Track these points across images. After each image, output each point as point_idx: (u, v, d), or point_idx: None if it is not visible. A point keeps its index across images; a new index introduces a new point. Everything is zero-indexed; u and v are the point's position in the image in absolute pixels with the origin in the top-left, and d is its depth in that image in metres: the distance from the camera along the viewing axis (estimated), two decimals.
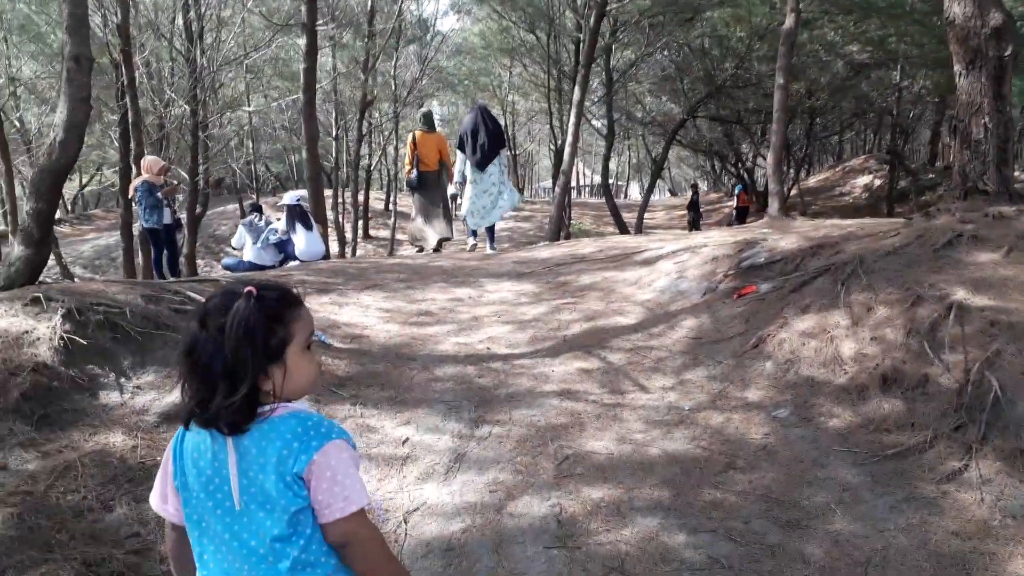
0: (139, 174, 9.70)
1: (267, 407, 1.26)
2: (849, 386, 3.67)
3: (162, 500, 1.37)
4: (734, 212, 21.38)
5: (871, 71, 23.30)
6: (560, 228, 14.39)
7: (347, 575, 1.30)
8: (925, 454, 3.07)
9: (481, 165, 9.17)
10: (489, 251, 9.56)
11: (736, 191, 22.11)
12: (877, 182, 30.42)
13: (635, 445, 3.42)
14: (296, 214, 9.22)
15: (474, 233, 9.86)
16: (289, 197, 9.45)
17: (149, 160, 9.62)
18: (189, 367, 1.25)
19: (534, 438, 3.51)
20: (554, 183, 19.99)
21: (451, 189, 9.79)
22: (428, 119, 9.93)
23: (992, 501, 2.72)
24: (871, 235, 5.17)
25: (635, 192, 54.80)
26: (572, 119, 14.05)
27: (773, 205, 9.35)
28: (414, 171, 9.63)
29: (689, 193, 24.46)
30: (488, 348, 4.73)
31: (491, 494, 3.03)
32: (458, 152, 9.37)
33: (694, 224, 22.38)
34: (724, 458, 3.28)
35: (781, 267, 5.10)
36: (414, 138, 9.73)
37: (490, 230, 9.84)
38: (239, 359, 1.22)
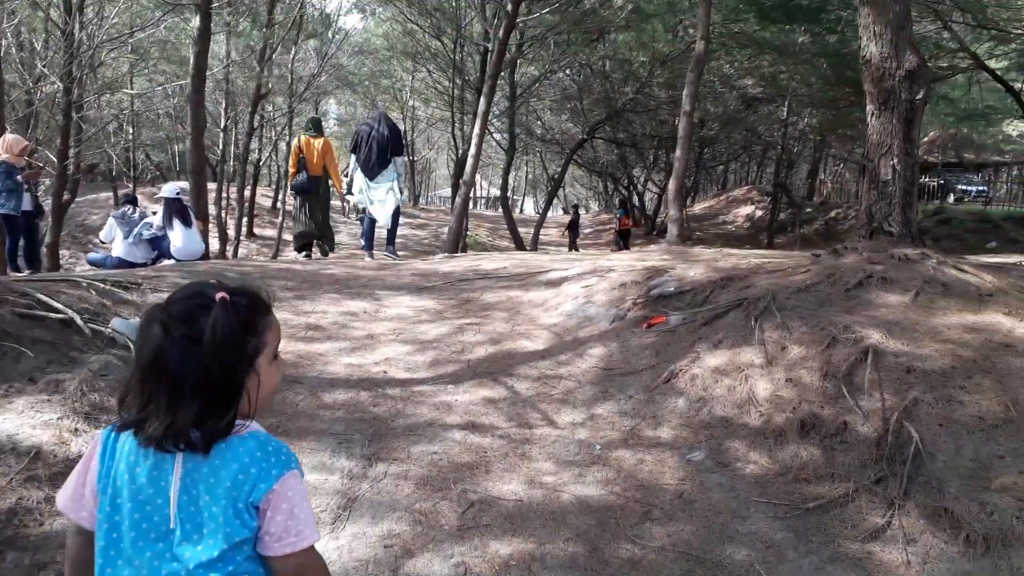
0: None
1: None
2: (765, 429, 3.53)
3: (74, 501, 1.23)
4: (616, 235, 21.64)
5: (762, 105, 24.39)
6: (459, 240, 14.09)
7: None
8: (847, 508, 2.94)
9: (371, 174, 9.01)
10: (387, 257, 9.33)
11: (618, 215, 22.42)
12: (759, 213, 31.90)
13: (546, 489, 3.14)
14: (175, 209, 8.48)
15: (369, 248, 9.62)
16: (168, 189, 8.69)
17: (10, 139, 8.59)
18: (149, 377, 1.13)
19: (435, 480, 3.16)
20: (454, 193, 19.68)
21: (353, 198, 9.55)
22: (316, 124, 9.80)
23: (919, 563, 2.60)
24: (780, 270, 5.14)
25: (529, 207, 55.31)
26: (476, 129, 13.79)
27: (671, 231, 9.40)
28: (302, 174, 9.37)
29: (571, 213, 24.64)
30: (385, 372, 4.35)
31: (386, 549, 2.66)
32: (352, 156, 9.22)
33: (572, 244, 22.57)
34: (640, 507, 3.05)
35: (691, 298, 4.98)
36: (299, 142, 9.51)
37: (391, 235, 9.65)
38: (227, 372, 1.14)
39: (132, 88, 16.89)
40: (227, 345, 1.14)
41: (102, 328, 3.93)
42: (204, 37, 10.28)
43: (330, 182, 9.74)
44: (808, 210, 28.17)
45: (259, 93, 16.71)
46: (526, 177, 53.31)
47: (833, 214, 25.98)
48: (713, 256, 8.02)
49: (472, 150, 14.01)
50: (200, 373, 1.12)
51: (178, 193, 8.61)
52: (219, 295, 1.16)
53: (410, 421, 3.73)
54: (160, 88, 16.67)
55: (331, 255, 10.22)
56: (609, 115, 22.33)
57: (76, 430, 3.03)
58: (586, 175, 41.41)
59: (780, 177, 24.77)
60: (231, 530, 1.14)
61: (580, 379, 4.26)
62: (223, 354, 1.13)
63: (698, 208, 36.79)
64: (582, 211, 50.10)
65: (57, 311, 3.89)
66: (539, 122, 28.51)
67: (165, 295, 1.22)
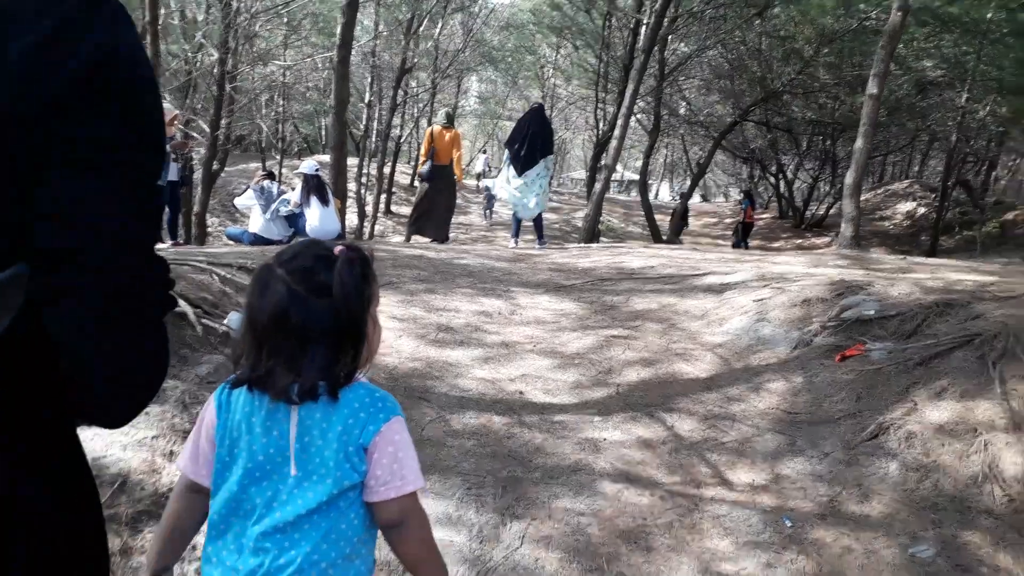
0: None
1: None
2: (1017, 523, 2.65)
3: (193, 462, 1.24)
4: (740, 227, 19.89)
5: (938, 91, 21.93)
6: (596, 228, 13.36)
7: (366, 559, 1.22)
8: None
9: (522, 169, 8.99)
10: (537, 248, 9.25)
11: (743, 206, 20.60)
12: (921, 210, 29.01)
13: None
14: (313, 186, 8.24)
15: (516, 235, 9.70)
16: (307, 166, 8.46)
17: None
18: (272, 335, 1.13)
19: (583, 553, 2.52)
20: (591, 177, 18.93)
21: (486, 182, 9.66)
22: (449, 117, 9.96)
23: None
24: (1012, 296, 4.11)
25: (664, 192, 53.39)
26: (623, 110, 12.96)
27: (845, 232, 8.26)
28: (428, 163, 9.59)
29: (697, 199, 22.71)
30: (521, 392, 3.74)
31: None
32: (506, 149, 9.37)
33: (677, 232, 21.02)
34: None
35: (897, 326, 4.05)
36: (431, 132, 9.66)
37: (539, 230, 9.60)
38: (354, 321, 1.16)
39: (284, 60, 17.14)
40: (354, 294, 1.15)
41: (215, 324, 3.54)
42: (352, 6, 10.03)
43: (453, 173, 9.90)
44: (976, 210, 25.33)
45: (404, 67, 16.55)
46: (665, 160, 51.45)
47: (1011, 216, 23.18)
48: (899, 265, 6.92)
49: (616, 132, 13.21)
50: (329, 324, 1.14)
51: (316, 169, 8.37)
52: (338, 248, 1.19)
53: (551, 462, 3.10)
54: (309, 59, 16.85)
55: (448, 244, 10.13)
56: (765, 97, 20.73)
57: (171, 454, 2.61)
58: (730, 160, 39.30)
59: (962, 173, 22.23)
60: (341, 474, 1.16)
61: (757, 423, 3.48)
62: (352, 303, 1.15)
63: None
64: (720, 199, 47.90)
65: None
66: (684, 103, 27.08)
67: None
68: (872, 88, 8.18)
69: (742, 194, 22.32)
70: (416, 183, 22.37)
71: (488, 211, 21.73)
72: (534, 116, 9.11)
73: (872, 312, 4.18)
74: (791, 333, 4.32)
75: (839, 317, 4.28)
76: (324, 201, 8.27)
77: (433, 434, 3.22)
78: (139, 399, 0.66)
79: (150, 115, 0.62)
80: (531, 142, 8.87)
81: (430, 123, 26.68)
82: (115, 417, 0.66)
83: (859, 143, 8.21)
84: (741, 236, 19.32)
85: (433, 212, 10.03)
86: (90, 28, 0.57)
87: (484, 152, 31.77)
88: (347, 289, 1.14)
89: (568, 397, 3.73)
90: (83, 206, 0.58)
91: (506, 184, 9.20)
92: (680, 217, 21.14)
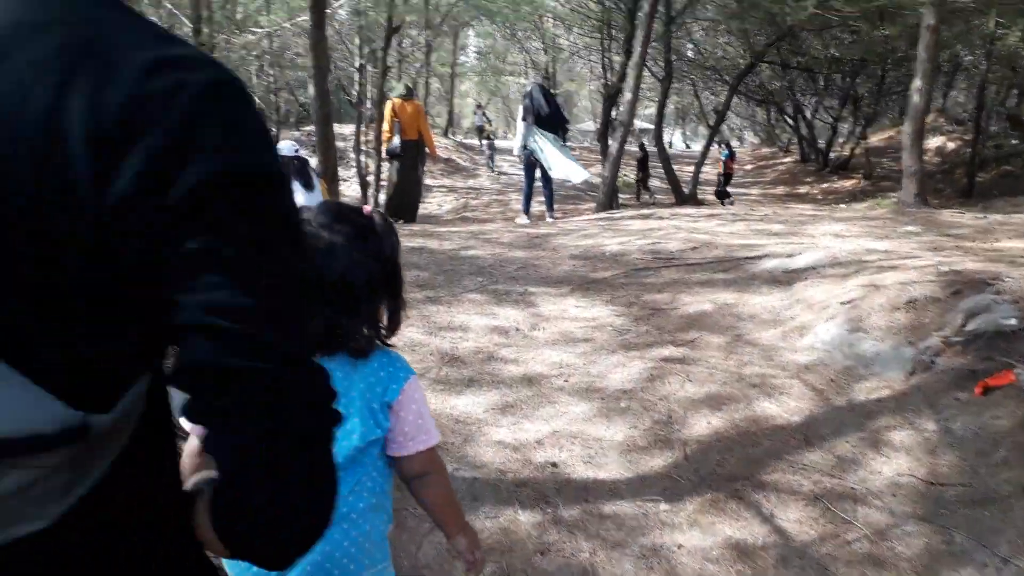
0: None
1: None
2: None
3: None
4: (721, 178, 18.48)
5: (966, 17, 20.36)
6: (614, 192, 12.23)
7: (387, 509, 1.26)
8: None
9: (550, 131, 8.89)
10: (549, 219, 9.07)
11: (723, 157, 19.14)
12: (951, 145, 27.48)
13: None
14: (294, 169, 7.19)
15: (527, 209, 9.36)
16: (286, 147, 7.39)
17: None
18: (339, 292, 1.15)
19: None
20: (603, 134, 17.71)
21: (516, 149, 9.30)
22: (408, 88, 9.75)
23: None
24: None
25: (678, 141, 51.64)
26: (634, 59, 11.73)
27: (909, 188, 7.17)
28: (396, 138, 9.17)
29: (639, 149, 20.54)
30: (554, 465, 2.75)
31: None
32: (520, 122, 9.00)
33: (643, 183, 19.60)
34: None
35: None
36: (393, 107, 9.24)
37: (551, 199, 9.36)
38: (400, 279, 1.22)
39: (262, 27, 15.91)
40: (398, 251, 1.22)
41: None
42: None
43: (423, 147, 9.63)
44: (1014, 142, 23.86)
45: (391, 26, 15.27)
46: (676, 107, 49.67)
47: None
48: (982, 225, 5.85)
49: (629, 83, 11.99)
50: (381, 282, 1.18)
51: (296, 150, 7.31)
52: (365, 209, 1.23)
53: None
54: (287, 24, 15.61)
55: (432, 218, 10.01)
56: (780, 36, 19.26)
57: None
58: (743, 103, 37.60)
59: (1009, 106, 20.73)
60: (366, 429, 1.18)
61: (890, 504, 2.48)
62: (397, 261, 1.22)
63: (875, 139, 32.43)
64: (735, 144, 46.08)
65: None
66: (691, 47, 25.55)
67: None
68: (929, 18, 7.02)
69: (722, 145, 20.87)
70: (385, 162, 21.31)
71: (491, 163, 21.34)
72: (539, 89, 9.10)
73: (1014, 322, 3.14)
74: (902, 350, 3.29)
75: (964, 329, 3.24)
76: (308, 185, 7.21)
77: (431, 556, 2.24)
78: (310, 536, 0.56)
79: (288, 215, 0.57)
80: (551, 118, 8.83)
81: (428, 84, 25.28)
82: (281, 558, 0.56)
83: (917, 83, 7.08)
84: (723, 186, 18.06)
85: (408, 193, 9.64)
86: (202, 147, 0.52)
87: (480, 107, 30.34)
88: (395, 247, 1.20)
89: (618, 468, 2.74)
90: (247, 313, 0.53)
91: (537, 143, 8.73)
92: (641, 166, 19.57)
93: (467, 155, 22.48)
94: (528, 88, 9.65)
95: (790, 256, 4.97)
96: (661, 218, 8.46)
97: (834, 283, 4.19)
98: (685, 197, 15.85)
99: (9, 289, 0.49)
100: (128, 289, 0.52)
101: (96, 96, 0.49)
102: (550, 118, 8.79)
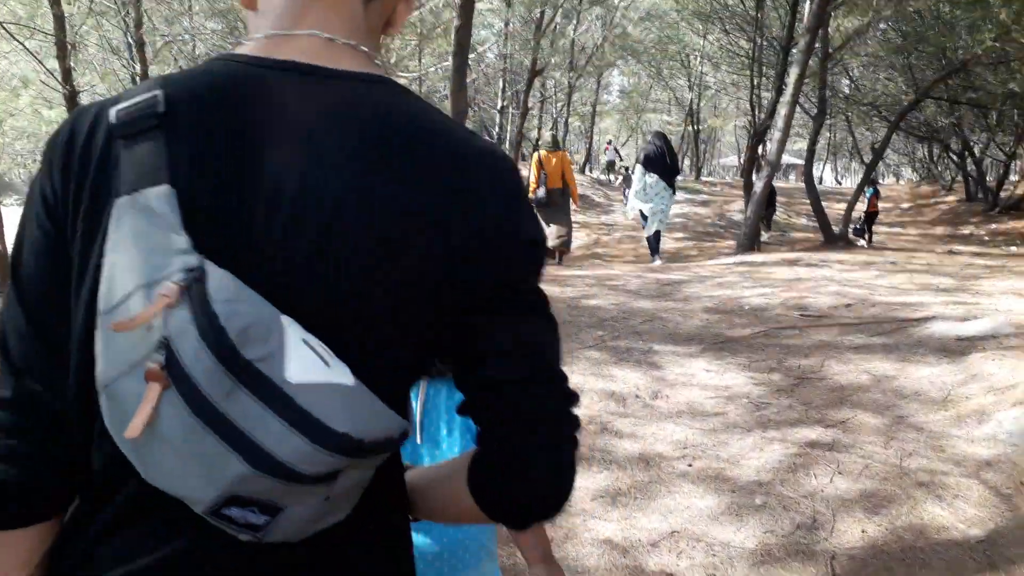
0: None
1: None
2: None
3: None
4: (864, 217, 16.84)
5: None
6: (757, 234, 11.52)
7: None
8: None
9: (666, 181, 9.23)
10: (654, 263, 9.33)
11: (867, 195, 17.44)
12: None
13: None
14: None
15: (657, 251, 9.63)
16: None
17: None
18: None
19: None
20: (748, 171, 16.89)
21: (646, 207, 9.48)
22: (554, 140, 10.02)
23: None
24: None
25: (828, 176, 48.94)
26: (787, 97, 11.11)
27: None
28: (541, 188, 9.38)
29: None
30: None
31: None
32: (638, 168, 9.41)
33: (767, 219, 18.24)
34: None
35: None
36: (539, 158, 9.53)
37: (656, 240, 9.61)
38: None
39: (415, 70, 16.43)
40: None
41: None
42: (467, 8, 8.92)
43: (568, 194, 9.86)
44: None
45: (534, 68, 15.34)
46: (828, 142, 47.23)
47: None
48: None
49: (780, 123, 11.35)
50: None
51: None
52: None
53: None
54: (433, 69, 16.01)
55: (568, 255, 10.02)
56: (951, 71, 17.69)
57: None
58: (902, 139, 35.01)
59: None
60: (465, 443, 1.28)
61: None
62: None
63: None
64: (890, 180, 43.00)
65: None
66: (849, 83, 24.07)
67: None
68: None
69: (869, 183, 19.27)
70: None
71: (625, 200, 20.90)
72: (665, 142, 9.46)
73: None
74: None
75: None
76: None
77: None
78: (560, 501, 0.69)
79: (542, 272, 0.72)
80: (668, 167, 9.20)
81: (567, 125, 25.32)
82: (547, 508, 0.69)
83: None
84: (866, 226, 16.57)
85: (558, 235, 9.79)
86: (522, 212, 0.68)
87: (610, 143, 29.98)
88: None
89: None
90: (541, 340, 0.68)
91: (660, 199, 9.18)
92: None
93: (601, 191, 22.16)
94: (648, 139, 10.16)
95: (963, 320, 4.28)
96: (810, 265, 7.76)
97: (1019, 358, 3.51)
98: (835, 237, 14.73)
99: (394, 336, 0.63)
100: (457, 331, 0.66)
101: (461, 187, 0.64)
102: (666, 167, 9.12)
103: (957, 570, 2.27)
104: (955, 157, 26.35)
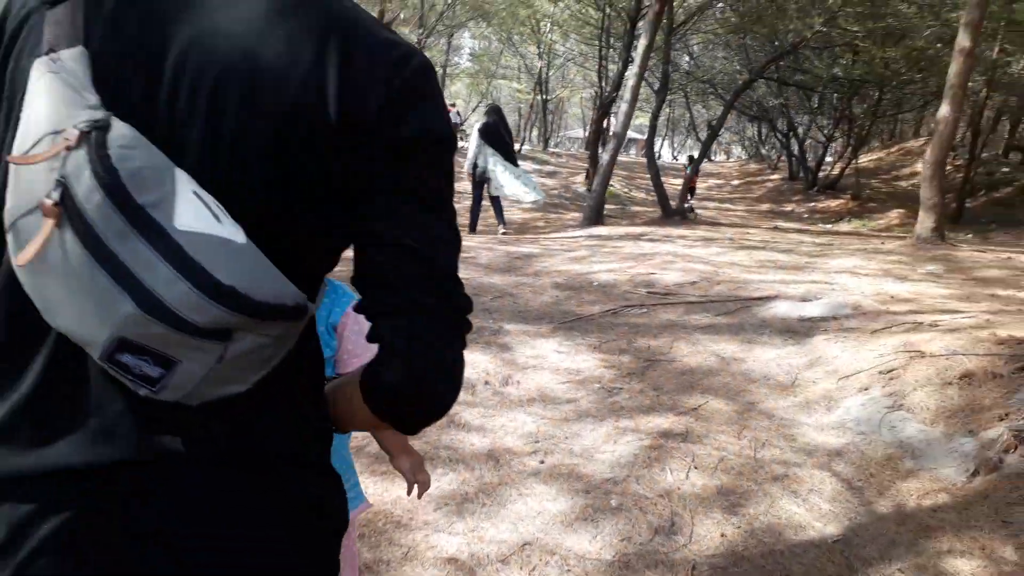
0: None
1: None
2: None
3: None
4: (689, 194, 17.90)
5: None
6: (603, 205, 11.60)
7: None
8: None
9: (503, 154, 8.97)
10: (501, 232, 9.01)
11: (688, 171, 18.62)
12: None
13: None
14: None
15: (502, 220, 9.24)
16: None
17: None
18: None
19: None
20: (594, 142, 17.08)
21: (466, 166, 9.13)
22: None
23: None
24: None
25: (666, 152, 51.15)
26: (634, 68, 11.17)
27: (926, 222, 6.57)
28: None
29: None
30: None
31: None
32: (472, 140, 9.00)
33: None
34: None
35: None
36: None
37: (499, 208, 9.23)
38: None
39: None
40: None
41: None
42: None
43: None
44: (1005, 170, 23.47)
45: (381, 21, 14.58)
46: (667, 118, 49.24)
47: None
48: (1008, 265, 5.27)
49: (627, 94, 11.42)
50: None
51: None
52: None
53: None
54: None
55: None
56: (782, 53, 18.72)
57: None
58: (735, 118, 37.10)
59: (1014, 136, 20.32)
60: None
61: None
62: None
63: (864, 160, 31.95)
64: (721, 158, 45.60)
65: None
66: (689, 59, 25.02)
67: None
68: (963, 40, 6.44)
69: (687, 159, 20.37)
70: None
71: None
72: (499, 117, 9.16)
73: None
74: (959, 441, 2.65)
75: None
76: None
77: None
78: (445, 404, 0.70)
79: (452, 173, 0.72)
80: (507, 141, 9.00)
81: None
82: (434, 409, 0.70)
83: (944, 110, 6.47)
84: (685, 200, 17.43)
85: None
86: (415, 106, 0.68)
87: (453, 106, 29.59)
88: None
89: None
90: (432, 238, 0.68)
91: (508, 172, 8.80)
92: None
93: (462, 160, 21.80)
94: (485, 110, 9.90)
95: (804, 300, 4.34)
96: (654, 240, 7.83)
97: (860, 340, 3.56)
98: (672, 211, 15.27)
99: (276, 195, 0.64)
100: (342, 206, 0.67)
101: (347, 59, 0.65)
102: (503, 142, 8.85)
103: (819, 570, 2.17)
104: (781, 137, 28.23)
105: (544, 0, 24.68)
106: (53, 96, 0.58)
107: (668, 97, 35.43)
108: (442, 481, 2.58)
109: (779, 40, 19.25)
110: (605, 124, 17.98)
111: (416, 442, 2.83)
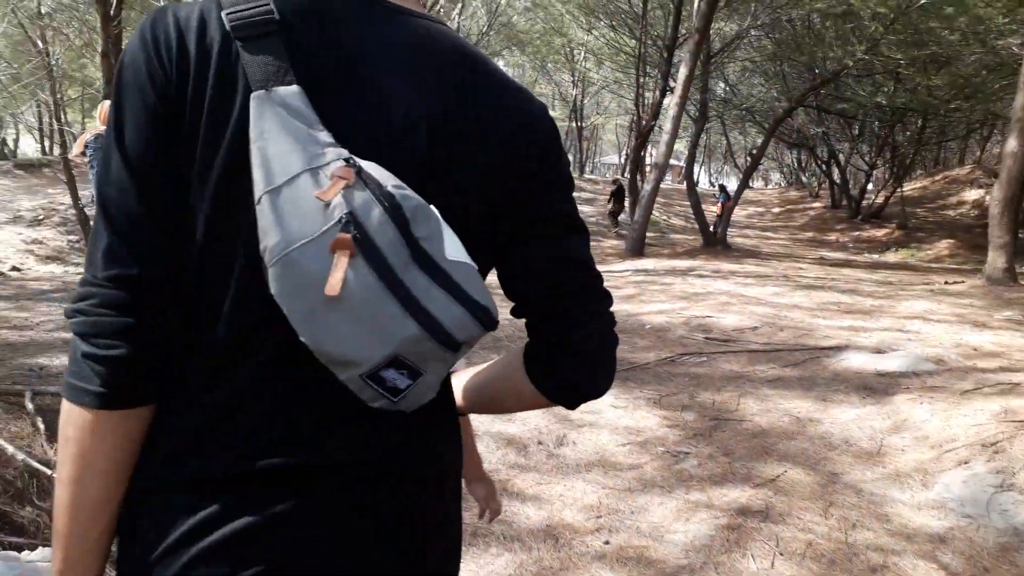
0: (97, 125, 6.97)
1: None
2: None
3: None
4: (718, 219, 17.47)
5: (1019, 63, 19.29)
6: (644, 236, 11.34)
7: None
8: None
9: None
10: None
11: (720, 200, 18.23)
12: (988, 198, 26.26)
13: None
14: None
15: None
16: None
17: (107, 106, 6.80)
18: None
19: None
20: (633, 172, 16.83)
21: None
22: None
23: None
24: None
25: (703, 179, 50.71)
26: (675, 99, 10.92)
27: (996, 262, 6.20)
28: None
29: (613, 187, 20.38)
30: None
31: None
32: None
33: (615, 216, 18.96)
34: None
35: None
36: None
37: None
38: None
39: None
40: None
41: None
42: None
43: None
44: None
45: None
46: (704, 145, 48.80)
47: None
48: None
49: (667, 125, 11.19)
50: None
51: None
52: None
53: None
54: None
55: None
56: (823, 81, 18.38)
57: None
58: (773, 145, 36.60)
59: None
60: None
61: None
62: None
63: (909, 188, 31.21)
64: (759, 184, 45.00)
65: None
66: (725, 87, 24.76)
67: None
68: None
69: (718, 188, 20.00)
70: None
71: None
72: None
73: None
74: None
75: None
76: None
77: None
78: (608, 383, 0.80)
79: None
80: None
81: None
82: (604, 382, 0.80)
83: (1012, 145, 6.12)
84: (720, 228, 17.00)
85: None
86: (560, 157, 0.79)
87: None
88: None
89: None
90: (584, 251, 0.79)
91: None
92: (616, 198, 18.93)
93: None
94: None
95: (879, 352, 4.02)
96: (703, 275, 7.53)
97: (950, 402, 3.24)
98: (714, 240, 14.94)
99: (482, 228, 0.73)
100: (517, 234, 0.76)
101: (520, 116, 0.75)
102: None
103: None
104: (822, 165, 27.72)
105: (578, 29, 24.66)
106: (288, 131, 0.61)
107: (707, 126, 35.14)
108: (496, 564, 2.32)
109: (818, 68, 18.92)
110: (643, 154, 17.79)
111: (466, 513, 2.58)
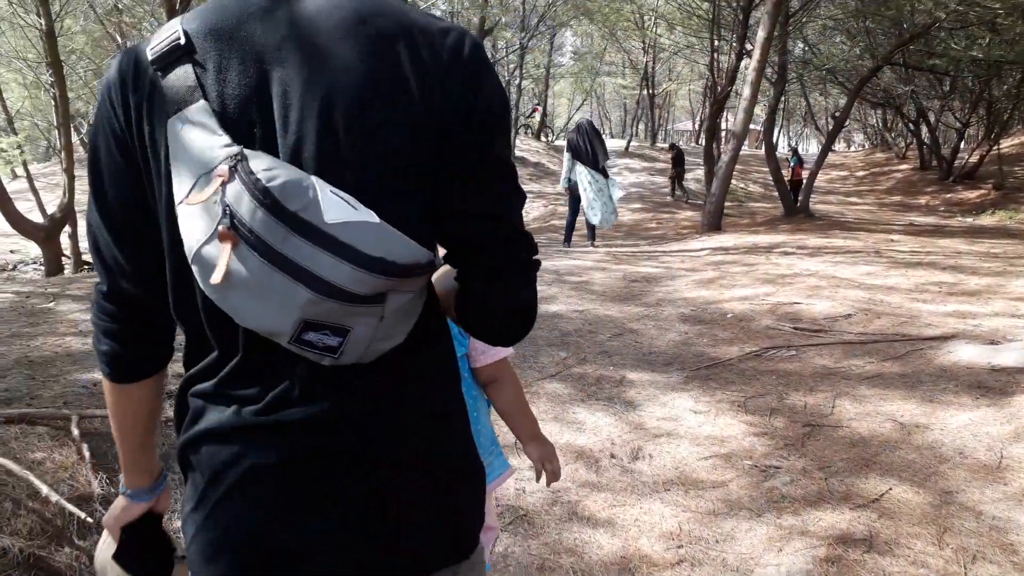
0: None
1: None
2: None
3: None
4: (790, 185, 16.45)
5: None
6: (722, 211, 10.84)
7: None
8: None
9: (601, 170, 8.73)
10: (590, 247, 9.02)
11: (791, 164, 17.23)
12: None
13: None
14: None
15: (593, 237, 9.28)
16: None
17: None
18: None
19: None
20: (708, 142, 16.18)
21: (561, 184, 9.16)
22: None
23: None
24: None
25: (782, 143, 48.75)
26: (754, 62, 10.34)
27: None
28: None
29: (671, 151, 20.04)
30: None
31: None
32: (565, 157, 8.80)
33: (678, 181, 18.99)
34: None
35: None
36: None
37: (590, 225, 9.14)
38: None
39: None
40: None
41: None
42: None
43: None
44: None
45: (483, 27, 14.31)
46: (783, 107, 46.73)
47: None
48: None
49: (746, 91, 10.61)
50: None
51: None
52: None
53: None
54: None
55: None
56: (912, 36, 17.15)
57: None
58: (856, 105, 34.69)
59: None
60: (458, 346, 1.34)
61: None
62: None
63: (1006, 146, 29.08)
64: (841, 147, 42.91)
65: None
66: (804, 47, 23.51)
67: None
68: None
69: (790, 151, 18.98)
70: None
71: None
72: (583, 134, 8.78)
73: None
74: None
75: None
76: None
77: None
78: (525, 327, 0.87)
79: (509, 134, 0.84)
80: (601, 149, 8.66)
81: (520, 89, 24.29)
82: (513, 338, 0.88)
83: None
84: (792, 194, 16.08)
85: None
86: (480, 87, 0.79)
87: (538, 106, 28.84)
88: None
89: None
90: (507, 204, 0.82)
91: (595, 194, 8.57)
92: (677, 164, 18.42)
93: (558, 159, 21.32)
94: (574, 125, 9.50)
95: (992, 343, 3.61)
96: (787, 252, 7.09)
97: None
98: (795, 209, 14.20)
99: (392, 185, 0.75)
100: (438, 182, 0.77)
101: (418, 56, 0.75)
102: (593, 156, 8.59)
103: None
104: (910, 124, 26.10)
105: None
106: (192, 145, 0.70)
107: (788, 88, 33.57)
108: None
109: (906, 22, 17.69)
110: (719, 121, 17.07)
111: (533, 542, 2.39)
